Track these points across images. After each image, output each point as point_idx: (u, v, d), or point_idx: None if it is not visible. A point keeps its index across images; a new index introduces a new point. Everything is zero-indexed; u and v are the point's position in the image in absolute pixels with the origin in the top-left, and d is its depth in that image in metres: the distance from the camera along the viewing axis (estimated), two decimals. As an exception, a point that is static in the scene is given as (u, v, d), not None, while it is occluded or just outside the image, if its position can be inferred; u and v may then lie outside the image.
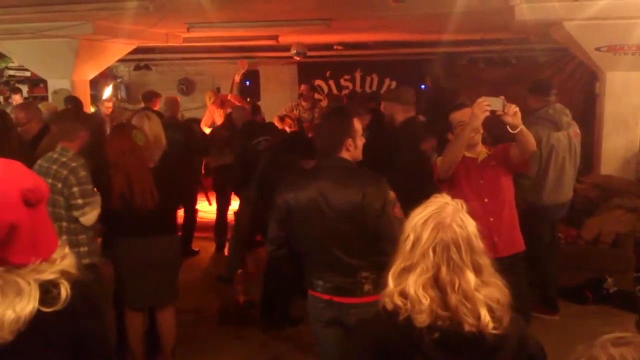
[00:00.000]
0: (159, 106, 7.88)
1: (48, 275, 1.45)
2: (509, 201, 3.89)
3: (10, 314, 1.37)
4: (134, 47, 8.10)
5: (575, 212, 5.64)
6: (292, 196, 2.95)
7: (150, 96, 7.86)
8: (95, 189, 3.99)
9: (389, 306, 1.73)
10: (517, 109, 3.39)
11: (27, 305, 1.39)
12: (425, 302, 1.66)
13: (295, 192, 2.96)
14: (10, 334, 1.36)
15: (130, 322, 4.23)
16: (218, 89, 10.53)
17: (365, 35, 9.25)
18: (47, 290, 1.44)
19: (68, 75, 7.35)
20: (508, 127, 3.46)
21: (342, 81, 12.22)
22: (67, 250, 1.54)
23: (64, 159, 3.88)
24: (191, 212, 7.22)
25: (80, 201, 3.85)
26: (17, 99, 9.95)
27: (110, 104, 8.60)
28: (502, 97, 3.39)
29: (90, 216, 3.89)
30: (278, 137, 5.83)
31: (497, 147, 3.96)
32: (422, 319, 1.66)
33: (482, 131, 3.88)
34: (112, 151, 3.99)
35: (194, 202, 7.32)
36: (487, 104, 3.37)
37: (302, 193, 2.94)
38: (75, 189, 3.82)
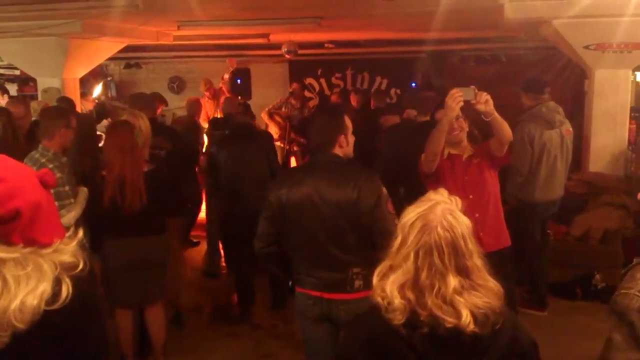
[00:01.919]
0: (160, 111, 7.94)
1: (68, 257, 1.45)
2: (494, 197, 3.94)
3: (32, 300, 1.35)
4: (124, 45, 8.07)
5: (564, 209, 5.67)
6: (285, 192, 2.95)
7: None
8: (79, 188, 3.98)
9: (375, 302, 1.74)
10: (488, 96, 3.41)
11: (47, 288, 1.38)
12: (397, 301, 1.66)
13: (288, 188, 2.96)
14: (25, 324, 1.34)
15: (120, 321, 4.23)
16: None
17: (356, 33, 9.26)
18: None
19: (58, 74, 7.29)
20: (482, 115, 3.49)
21: (333, 79, 12.22)
22: (80, 239, 1.55)
23: (43, 160, 3.86)
24: (195, 205, 7.18)
25: (55, 204, 3.80)
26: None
27: (91, 98, 8.55)
28: (473, 87, 3.42)
29: (66, 218, 3.84)
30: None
31: (480, 143, 4.01)
32: (396, 317, 1.67)
33: (467, 128, 3.91)
34: (110, 148, 3.93)
35: (198, 196, 7.17)
36: (459, 95, 3.40)
37: (296, 189, 2.94)
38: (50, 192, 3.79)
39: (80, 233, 1.55)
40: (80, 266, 1.47)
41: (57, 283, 1.42)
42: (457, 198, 1.81)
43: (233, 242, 5.37)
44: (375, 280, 1.77)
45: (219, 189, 5.38)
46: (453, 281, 1.67)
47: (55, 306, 1.40)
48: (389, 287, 1.69)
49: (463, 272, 1.70)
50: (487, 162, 3.87)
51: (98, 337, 1.59)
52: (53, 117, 4.13)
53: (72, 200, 3.89)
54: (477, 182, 3.86)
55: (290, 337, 4.84)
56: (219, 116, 8.37)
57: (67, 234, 1.53)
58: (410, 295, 1.67)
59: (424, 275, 1.68)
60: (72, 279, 1.45)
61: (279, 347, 4.78)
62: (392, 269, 1.74)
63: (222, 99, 8.63)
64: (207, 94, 9.32)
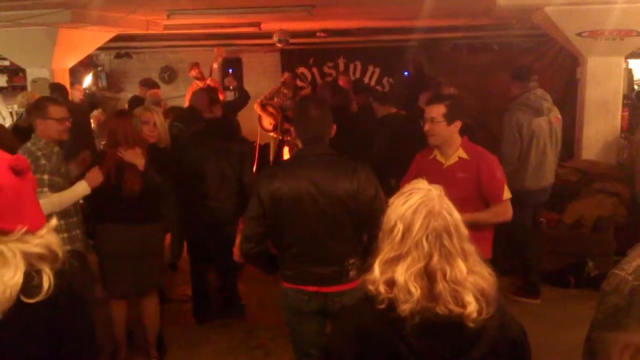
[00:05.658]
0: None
1: (33, 247, 1.41)
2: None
3: None
4: (114, 34, 7.99)
5: (556, 197, 5.68)
6: (278, 187, 2.84)
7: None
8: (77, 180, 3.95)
9: (372, 293, 1.70)
10: None
11: (14, 275, 1.35)
12: (415, 292, 1.63)
13: (281, 183, 2.85)
14: None
15: (114, 312, 4.23)
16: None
17: (347, 22, 9.20)
18: (29, 279, 1.39)
19: (47, 64, 7.22)
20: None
21: (325, 68, 12.14)
22: (53, 227, 1.51)
23: (33, 148, 3.86)
24: None
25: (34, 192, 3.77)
26: None
27: (80, 87, 8.54)
28: None
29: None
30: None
31: (477, 152, 3.58)
32: (405, 308, 1.63)
33: (445, 132, 3.50)
34: (114, 131, 4.05)
35: None
36: None
37: (291, 183, 2.85)
38: None
39: (53, 221, 1.51)
40: (59, 257, 1.44)
41: (38, 274, 1.39)
42: (441, 187, 1.79)
43: (197, 255, 5.14)
44: (377, 271, 1.71)
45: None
46: (462, 264, 1.68)
47: (38, 298, 1.37)
48: (402, 277, 1.65)
49: (465, 255, 1.71)
50: (474, 184, 3.48)
51: (84, 329, 1.57)
52: (32, 108, 4.12)
53: (46, 189, 3.78)
54: (454, 199, 3.51)
55: (280, 328, 4.82)
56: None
57: (39, 232, 1.49)
58: (422, 284, 1.65)
59: (435, 260, 1.67)
60: (54, 271, 1.42)
61: (268, 338, 4.77)
62: (396, 258, 1.70)
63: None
64: (194, 72, 9.15)
